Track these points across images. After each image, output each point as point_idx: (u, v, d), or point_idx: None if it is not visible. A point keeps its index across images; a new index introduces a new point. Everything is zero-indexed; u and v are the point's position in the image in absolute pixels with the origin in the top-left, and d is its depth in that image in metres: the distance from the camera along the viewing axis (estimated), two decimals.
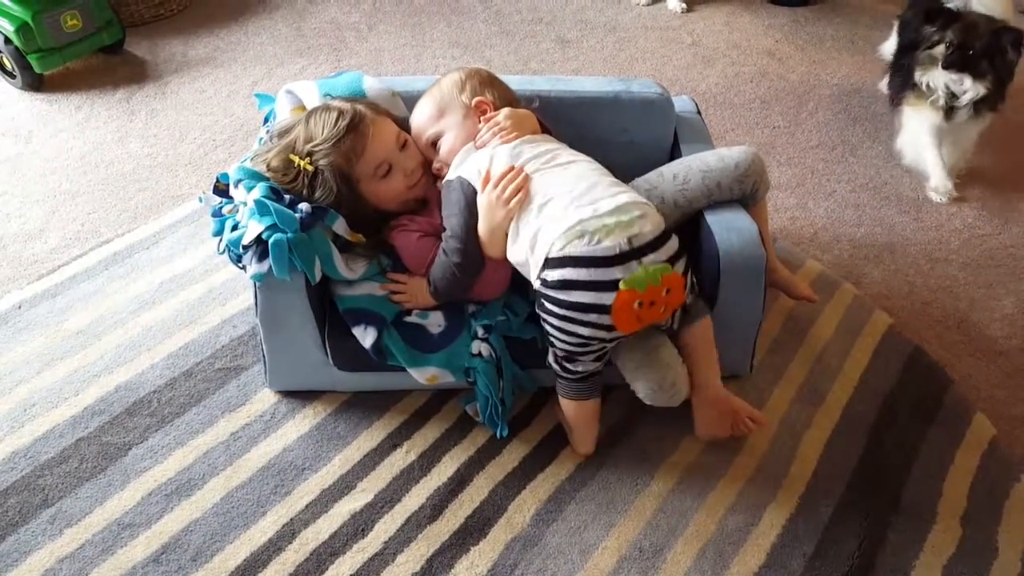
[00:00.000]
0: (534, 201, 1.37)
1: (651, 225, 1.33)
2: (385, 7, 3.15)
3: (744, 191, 1.56)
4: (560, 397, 1.50)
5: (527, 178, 1.39)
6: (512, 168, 1.40)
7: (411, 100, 1.61)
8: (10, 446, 1.54)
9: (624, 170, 1.52)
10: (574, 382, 1.46)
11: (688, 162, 1.59)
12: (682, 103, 1.86)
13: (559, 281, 1.31)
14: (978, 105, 2.20)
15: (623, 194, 1.37)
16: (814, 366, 1.75)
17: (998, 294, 1.98)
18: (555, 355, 1.45)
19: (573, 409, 1.50)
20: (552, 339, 1.41)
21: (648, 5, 3.21)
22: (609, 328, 1.33)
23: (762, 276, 1.52)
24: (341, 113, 1.46)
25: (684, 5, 3.17)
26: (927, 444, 1.61)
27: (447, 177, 1.49)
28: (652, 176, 1.60)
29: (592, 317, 1.32)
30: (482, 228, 1.42)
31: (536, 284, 1.37)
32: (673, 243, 1.36)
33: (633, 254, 1.29)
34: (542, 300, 1.36)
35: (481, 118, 1.50)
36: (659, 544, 1.42)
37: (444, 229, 1.46)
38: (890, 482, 1.54)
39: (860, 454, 1.59)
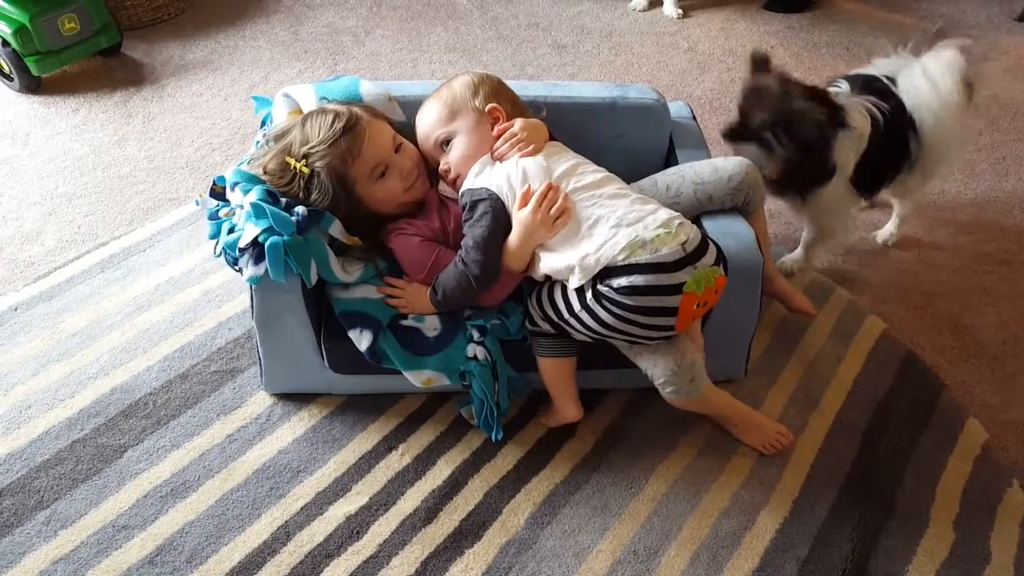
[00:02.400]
0: (578, 221, 1.40)
1: (693, 232, 1.38)
2: (382, 12, 3.15)
3: (736, 203, 1.57)
4: (541, 358, 1.51)
5: (567, 198, 1.41)
6: (550, 186, 1.41)
7: (408, 104, 1.62)
8: (5, 448, 1.54)
9: (619, 176, 1.52)
10: (566, 341, 1.48)
11: (682, 171, 1.60)
12: (678, 108, 1.88)
13: (627, 287, 1.32)
14: (771, 183, 1.73)
15: (660, 210, 1.41)
16: (808, 371, 1.76)
17: (991, 299, 1.99)
18: (559, 327, 1.44)
19: (554, 369, 1.52)
20: (573, 327, 1.41)
21: (644, 11, 3.22)
22: (668, 329, 1.37)
23: (758, 280, 1.53)
24: (337, 115, 1.47)
25: (680, 11, 3.18)
26: (920, 449, 1.62)
27: (465, 186, 1.48)
28: (645, 184, 1.61)
29: (658, 320, 1.35)
30: (516, 242, 1.42)
31: (586, 289, 1.37)
32: (712, 247, 1.39)
33: (689, 259, 1.34)
34: (601, 303, 1.35)
35: (495, 126, 1.50)
36: (653, 547, 1.43)
37: (463, 238, 1.45)
38: (883, 487, 1.55)
39: (853, 459, 1.59)
